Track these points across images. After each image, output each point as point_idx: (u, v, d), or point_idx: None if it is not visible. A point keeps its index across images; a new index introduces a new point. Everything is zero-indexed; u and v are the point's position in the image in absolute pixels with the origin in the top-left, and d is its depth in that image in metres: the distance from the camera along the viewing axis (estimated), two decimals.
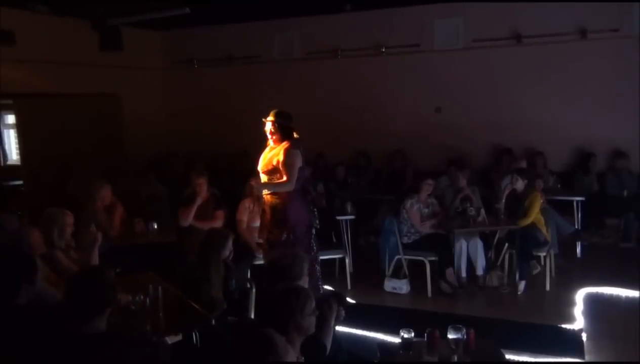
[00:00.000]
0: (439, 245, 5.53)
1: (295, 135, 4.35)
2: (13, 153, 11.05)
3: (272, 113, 4.39)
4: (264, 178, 4.38)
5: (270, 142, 4.41)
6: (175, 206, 5.42)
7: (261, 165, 4.38)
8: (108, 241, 4.53)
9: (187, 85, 9.06)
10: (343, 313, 2.98)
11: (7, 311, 2.58)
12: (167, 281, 3.65)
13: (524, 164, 6.51)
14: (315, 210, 4.49)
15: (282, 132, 4.32)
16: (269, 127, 4.36)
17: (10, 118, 10.54)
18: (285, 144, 4.25)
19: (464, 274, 5.57)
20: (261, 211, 4.55)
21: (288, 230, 4.24)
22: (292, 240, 4.24)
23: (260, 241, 5.08)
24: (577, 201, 6.39)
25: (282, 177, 4.21)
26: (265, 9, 7.51)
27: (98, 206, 5.14)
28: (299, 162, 4.23)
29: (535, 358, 4.00)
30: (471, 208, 5.54)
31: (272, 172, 4.28)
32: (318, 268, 4.50)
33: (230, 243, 3.86)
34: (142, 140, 8.40)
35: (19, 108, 8.14)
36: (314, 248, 4.43)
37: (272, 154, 4.33)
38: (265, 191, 4.37)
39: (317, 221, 4.44)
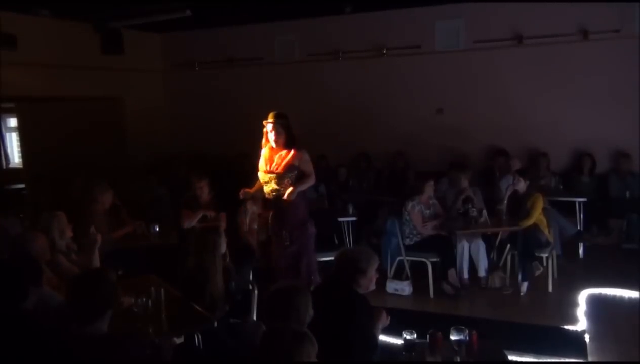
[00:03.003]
0: (441, 246, 5.53)
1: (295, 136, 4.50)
2: (15, 156, 11.09)
3: (272, 115, 4.44)
4: (266, 177, 4.46)
5: (274, 144, 4.45)
6: (177, 209, 5.42)
7: (271, 167, 4.43)
8: (108, 244, 4.52)
9: (189, 88, 9.07)
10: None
11: (14, 314, 2.59)
12: (169, 283, 3.65)
13: (517, 165, 6.49)
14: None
15: (287, 132, 4.43)
16: (270, 128, 4.42)
17: (13, 122, 10.59)
18: (294, 148, 4.42)
19: (466, 275, 5.56)
20: (273, 213, 4.60)
21: (310, 224, 4.58)
22: (311, 233, 4.59)
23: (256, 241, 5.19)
24: (580, 202, 6.38)
25: (296, 175, 4.42)
26: (266, 11, 7.52)
27: (98, 209, 5.13)
28: None
29: (537, 359, 3.99)
30: (473, 209, 5.53)
31: (287, 171, 4.40)
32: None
33: (222, 240, 3.80)
34: (144, 143, 8.41)
35: (21, 111, 8.19)
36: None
37: (281, 156, 4.41)
38: (269, 190, 4.46)
39: None
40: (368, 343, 2.89)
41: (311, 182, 4.55)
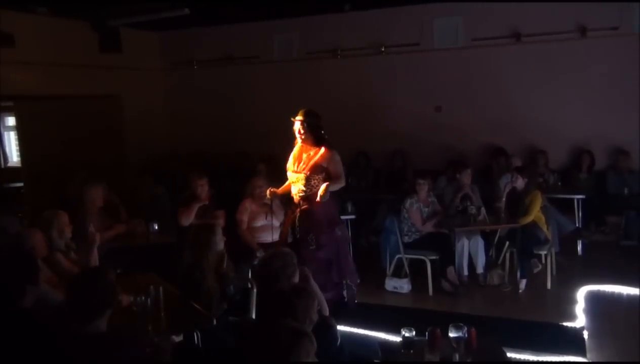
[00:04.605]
0: (440, 243, 5.53)
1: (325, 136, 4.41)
2: (14, 155, 11.08)
3: (301, 112, 4.39)
4: (293, 177, 4.38)
5: (300, 142, 4.41)
6: (176, 207, 5.42)
7: (299, 166, 4.36)
8: (105, 243, 4.52)
9: (187, 86, 9.06)
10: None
11: (12, 312, 2.59)
12: (168, 281, 3.65)
13: (518, 162, 6.50)
14: None
15: (312, 131, 4.36)
16: (297, 126, 4.37)
17: (11, 120, 10.57)
18: (324, 148, 4.36)
19: (465, 272, 5.57)
20: (300, 215, 4.41)
21: (339, 228, 4.49)
22: (342, 237, 4.52)
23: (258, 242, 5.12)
24: (578, 200, 6.39)
25: (324, 176, 4.33)
26: (265, 9, 7.50)
27: (90, 208, 5.11)
28: None
29: (536, 356, 4.00)
30: (472, 206, 5.54)
31: (314, 172, 4.32)
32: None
33: (218, 238, 3.78)
34: (143, 141, 8.41)
35: (19, 110, 8.16)
36: None
37: (309, 155, 4.35)
38: (296, 191, 4.38)
39: None
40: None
41: (340, 184, 4.38)
